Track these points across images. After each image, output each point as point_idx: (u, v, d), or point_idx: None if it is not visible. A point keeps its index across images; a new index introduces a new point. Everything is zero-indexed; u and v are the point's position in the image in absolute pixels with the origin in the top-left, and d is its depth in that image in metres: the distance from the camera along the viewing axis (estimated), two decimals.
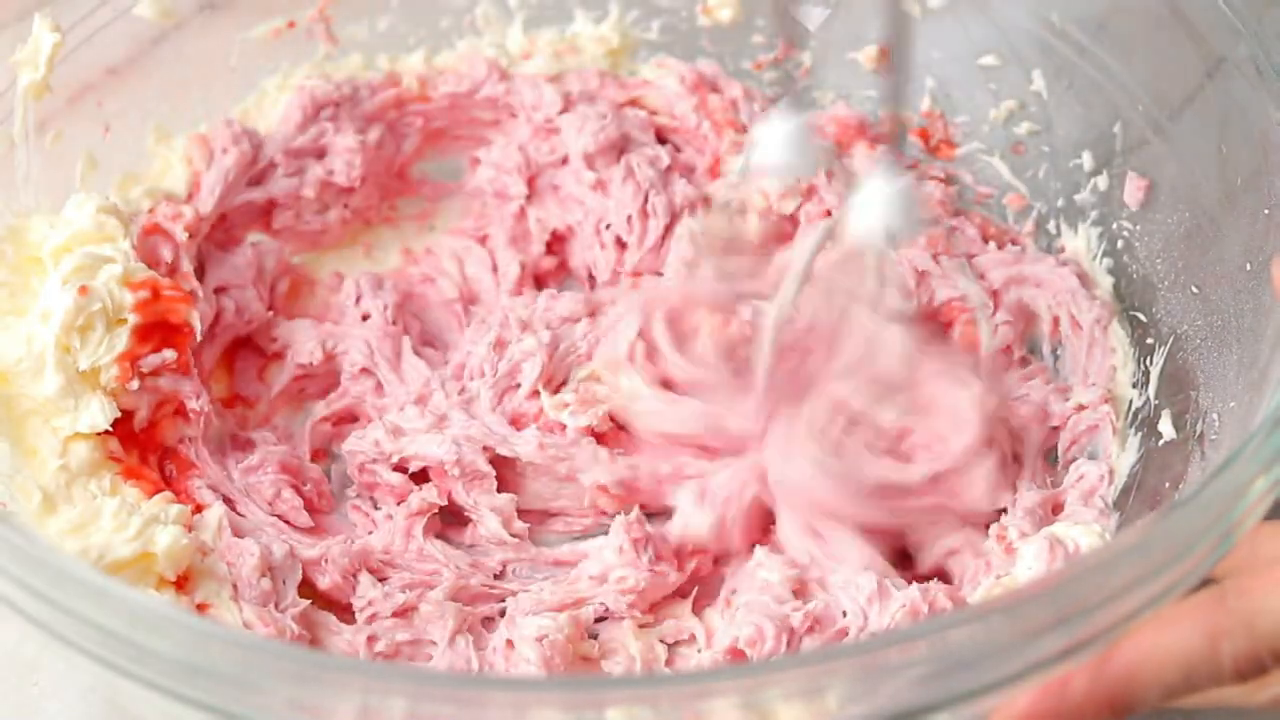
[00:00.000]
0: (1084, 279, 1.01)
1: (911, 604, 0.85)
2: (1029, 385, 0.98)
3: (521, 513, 0.95)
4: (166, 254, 0.96)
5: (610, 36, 1.13)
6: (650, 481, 0.94)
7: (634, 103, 1.11)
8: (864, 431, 0.90)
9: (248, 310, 1.01)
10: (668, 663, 0.88)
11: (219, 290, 1.01)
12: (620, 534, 0.90)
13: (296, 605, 0.86)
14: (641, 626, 0.89)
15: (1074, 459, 0.95)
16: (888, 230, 0.84)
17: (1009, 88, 1.06)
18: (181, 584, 0.84)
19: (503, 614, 0.90)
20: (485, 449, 0.94)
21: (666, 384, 0.96)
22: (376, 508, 0.95)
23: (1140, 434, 0.94)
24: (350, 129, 1.06)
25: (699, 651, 0.88)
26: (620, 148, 1.07)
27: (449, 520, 0.95)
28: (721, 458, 0.93)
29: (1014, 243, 1.05)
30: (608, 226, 1.06)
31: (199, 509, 0.89)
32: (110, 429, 0.89)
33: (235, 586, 0.85)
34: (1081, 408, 0.96)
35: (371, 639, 0.86)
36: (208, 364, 0.99)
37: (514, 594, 0.90)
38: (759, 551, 0.90)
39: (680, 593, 0.91)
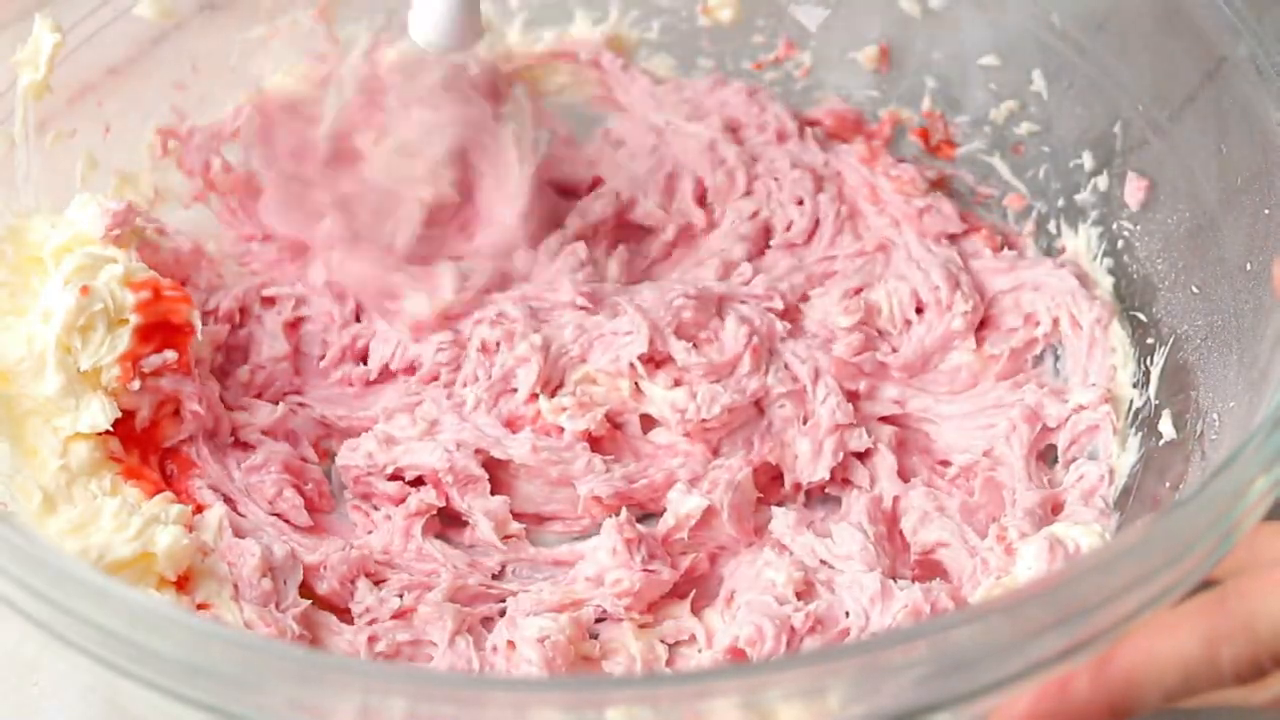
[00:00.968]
0: (1083, 279, 1.01)
1: (914, 604, 0.85)
2: (1024, 389, 0.98)
3: (518, 514, 0.95)
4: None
5: (611, 36, 1.13)
6: (646, 491, 0.94)
7: None
8: None
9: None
10: (668, 663, 0.88)
11: None
12: (612, 535, 0.90)
13: (297, 605, 0.86)
14: (641, 627, 0.89)
15: (1074, 459, 0.95)
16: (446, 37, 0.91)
17: (1009, 88, 1.06)
18: (182, 584, 0.84)
19: (503, 614, 0.90)
20: (478, 451, 0.94)
21: None
22: (376, 508, 0.95)
23: (1140, 434, 0.94)
24: None
25: (699, 651, 0.88)
26: None
27: (448, 521, 0.95)
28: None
29: (1010, 247, 1.05)
30: None
31: (199, 509, 0.89)
32: (111, 429, 0.89)
33: (236, 587, 0.85)
34: (1081, 408, 0.96)
35: (372, 639, 0.86)
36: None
37: (514, 594, 0.90)
38: (766, 551, 0.90)
39: (678, 593, 0.91)
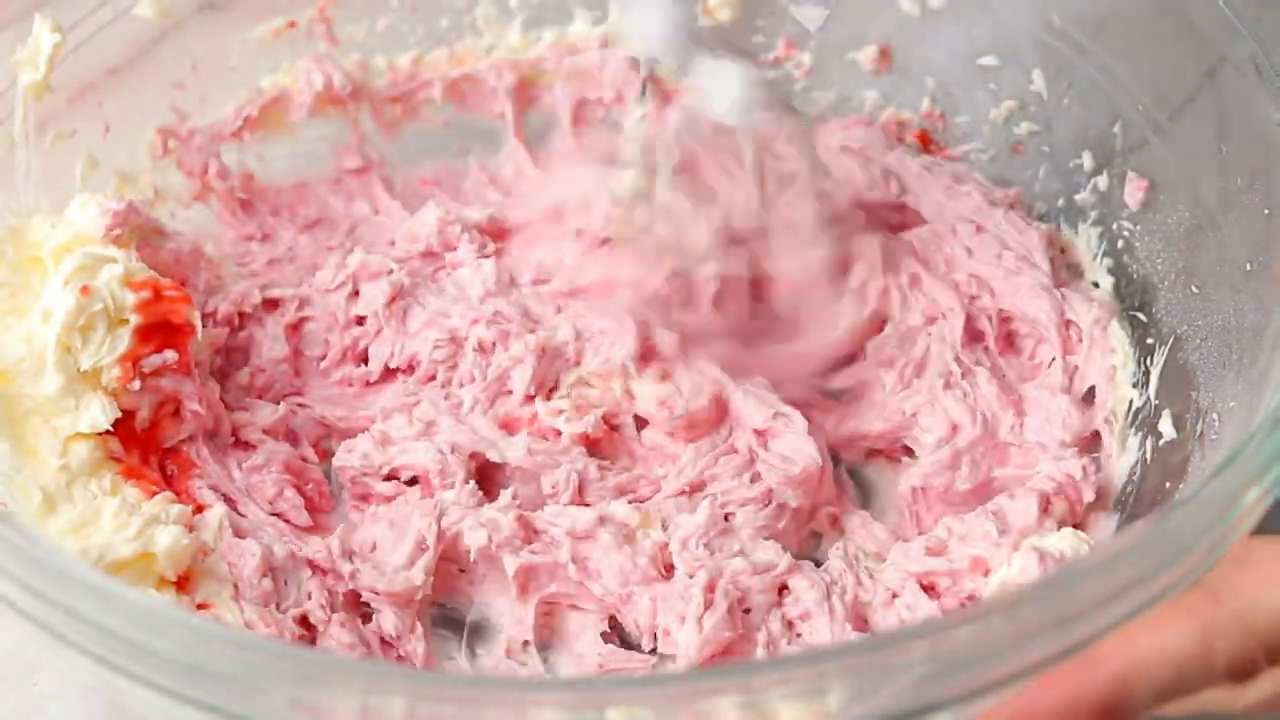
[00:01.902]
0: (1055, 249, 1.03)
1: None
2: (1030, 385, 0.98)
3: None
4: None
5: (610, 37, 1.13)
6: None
7: None
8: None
9: None
10: None
11: None
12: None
13: (297, 606, 0.86)
14: None
15: None
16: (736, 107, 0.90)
17: (1009, 88, 1.06)
18: (182, 584, 0.84)
19: None
20: (474, 455, 0.94)
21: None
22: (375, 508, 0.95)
23: (1140, 434, 0.94)
24: None
25: None
26: None
27: None
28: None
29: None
30: None
31: (200, 509, 0.89)
32: (111, 429, 0.89)
33: (236, 587, 0.85)
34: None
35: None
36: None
37: None
38: (895, 549, 0.91)
39: None
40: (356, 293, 1.02)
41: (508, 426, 0.96)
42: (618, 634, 0.89)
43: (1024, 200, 1.07)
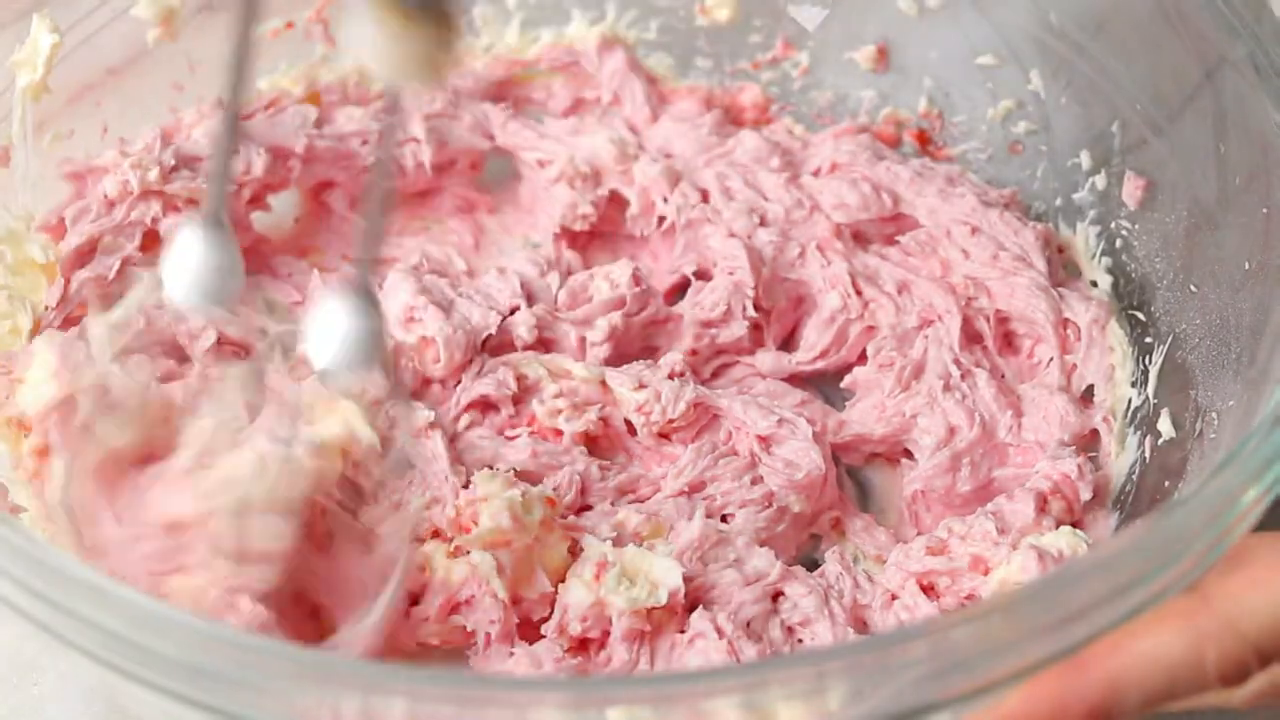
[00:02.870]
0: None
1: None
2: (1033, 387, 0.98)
3: None
4: None
5: (608, 36, 1.13)
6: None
7: None
8: None
9: None
10: None
11: None
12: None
13: None
14: None
15: None
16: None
17: (1007, 87, 1.06)
18: None
19: None
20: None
21: None
22: None
23: (1139, 433, 0.94)
24: None
25: None
26: None
27: None
28: None
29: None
30: None
31: None
32: None
33: None
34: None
35: None
36: None
37: None
38: (895, 551, 0.91)
39: None
40: None
41: (501, 431, 0.96)
42: None
43: (1022, 200, 1.07)
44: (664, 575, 0.85)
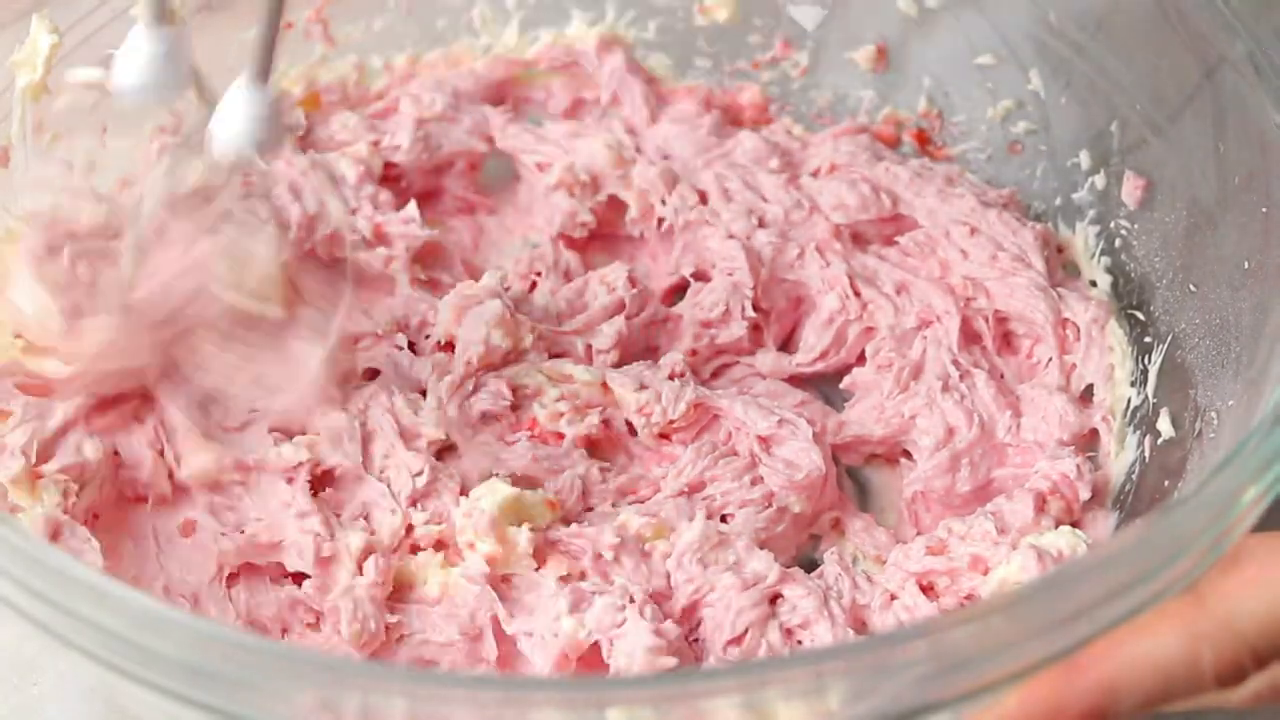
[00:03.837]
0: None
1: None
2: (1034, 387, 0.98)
3: None
4: None
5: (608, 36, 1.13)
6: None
7: None
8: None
9: None
10: None
11: None
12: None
13: None
14: None
15: None
16: (253, 142, 0.81)
17: (1006, 87, 1.06)
18: None
19: None
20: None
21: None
22: None
23: (1139, 432, 0.94)
24: None
25: None
26: None
27: None
28: None
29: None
30: None
31: None
32: None
33: None
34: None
35: None
36: None
37: None
38: (895, 551, 0.91)
39: None
40: None
41: (501, 437, 0.95)
42: None
43: (1021, 199, 1.07)
44: None
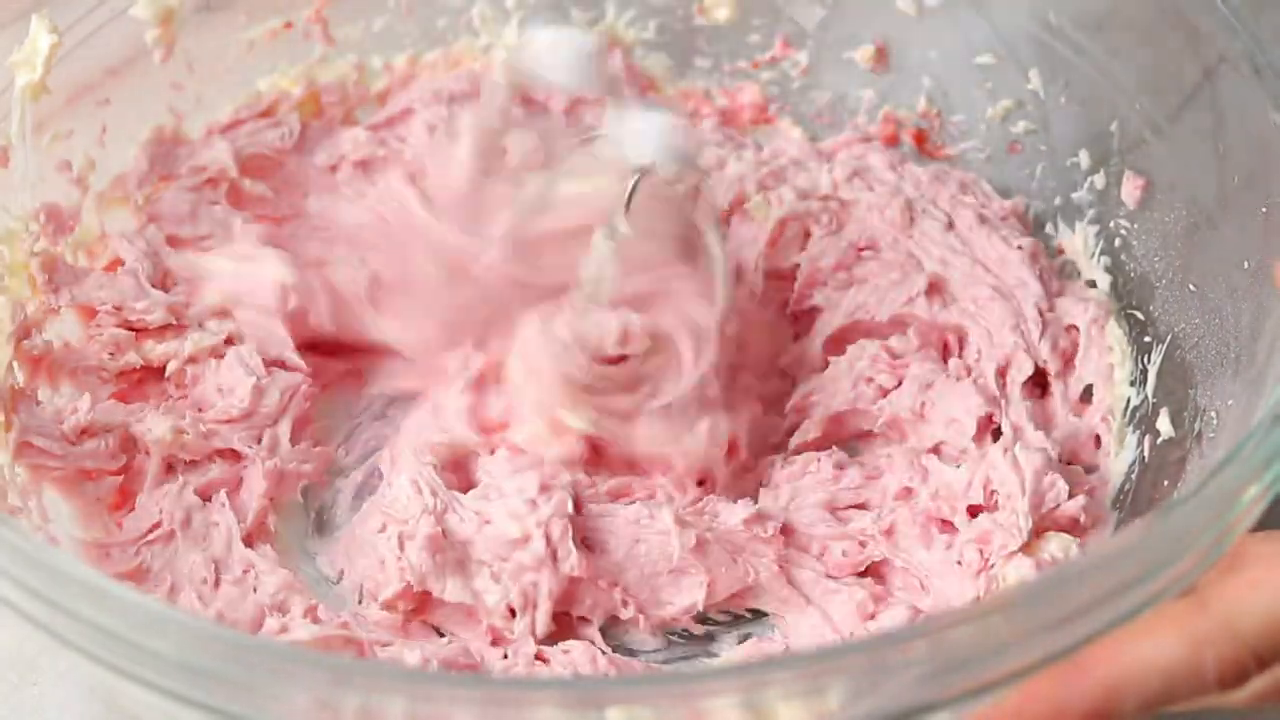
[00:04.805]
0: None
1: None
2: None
3: None
4: None
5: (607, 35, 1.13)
6: None
7: None
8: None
9: None
10: None
11: None
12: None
13: None
14: None
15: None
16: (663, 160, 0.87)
17: (1006, 87, 1.06)
18: None
19: None
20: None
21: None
22: None
23: (1139, 433, 0.94)
24: None
25: None
26: None
27: None
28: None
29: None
30: None
31: None
32: None
33: None
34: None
35: None
36: None
37: None
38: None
39: None
40: None
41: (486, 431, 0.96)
42: None
43: (1021, 198, 1.07)
44: None
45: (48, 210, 0.96)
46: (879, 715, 0.63)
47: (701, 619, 0.90)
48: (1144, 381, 0.96)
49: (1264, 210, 0.85)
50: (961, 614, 0.64)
